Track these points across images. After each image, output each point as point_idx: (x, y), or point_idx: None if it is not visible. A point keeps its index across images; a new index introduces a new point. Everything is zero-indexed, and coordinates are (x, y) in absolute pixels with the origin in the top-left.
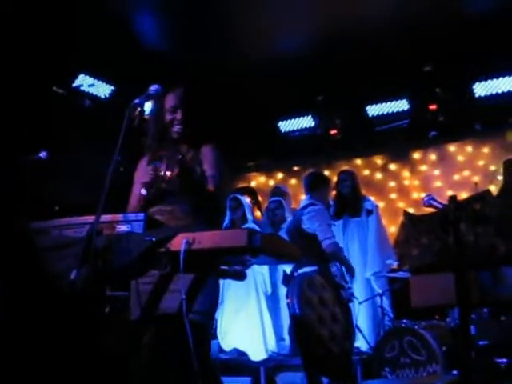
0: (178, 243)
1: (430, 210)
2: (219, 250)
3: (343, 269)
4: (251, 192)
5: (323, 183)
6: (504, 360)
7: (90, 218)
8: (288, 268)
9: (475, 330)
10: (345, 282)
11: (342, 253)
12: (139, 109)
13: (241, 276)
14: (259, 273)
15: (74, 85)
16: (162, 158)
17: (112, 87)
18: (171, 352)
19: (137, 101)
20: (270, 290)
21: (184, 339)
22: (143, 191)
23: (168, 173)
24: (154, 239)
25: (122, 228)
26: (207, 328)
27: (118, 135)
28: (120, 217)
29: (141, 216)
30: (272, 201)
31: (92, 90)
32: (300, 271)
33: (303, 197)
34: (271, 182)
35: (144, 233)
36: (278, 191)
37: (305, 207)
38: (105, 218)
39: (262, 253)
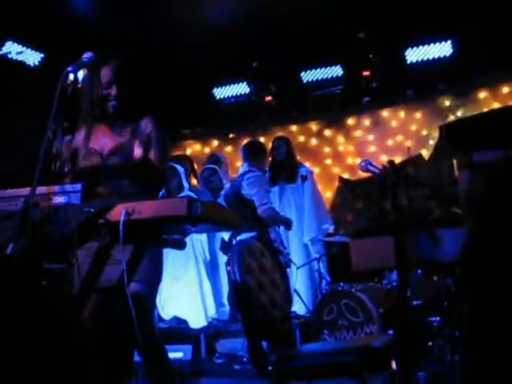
0: (117, 214)
1: (366, 175)
2: (159, 219)
3: (281, 233)
4: (187, 160)
5: (262, 152)
6: (436, 318)
7: (25, 191)
8: (226, 234)
9: (410, 291)
10: (283, 247)
11: (278, 215)
12: (72, 77)
13: (181, 245)
14: (198, 240)
15: (1, 52)
16: (98, 134)
17: (42, 55)
18: (114, 323)
19: (69, 69)
20: (208, 257)
21: (126, 309)
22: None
23: (106, 151)
24: (92, 210)
25: (59, 200)
26: (150, 297)
27: (50, 105)
28: (56, 188)
29: (78, 187)
30: (205, 168)
31: (21, 58)
32: (239, 238)
33: (239, 164)
34: (207, 150)
35: (82, 204)
36: (213, 159)
37: (244, 174)
38: (40, 189)
39: (202, 221)
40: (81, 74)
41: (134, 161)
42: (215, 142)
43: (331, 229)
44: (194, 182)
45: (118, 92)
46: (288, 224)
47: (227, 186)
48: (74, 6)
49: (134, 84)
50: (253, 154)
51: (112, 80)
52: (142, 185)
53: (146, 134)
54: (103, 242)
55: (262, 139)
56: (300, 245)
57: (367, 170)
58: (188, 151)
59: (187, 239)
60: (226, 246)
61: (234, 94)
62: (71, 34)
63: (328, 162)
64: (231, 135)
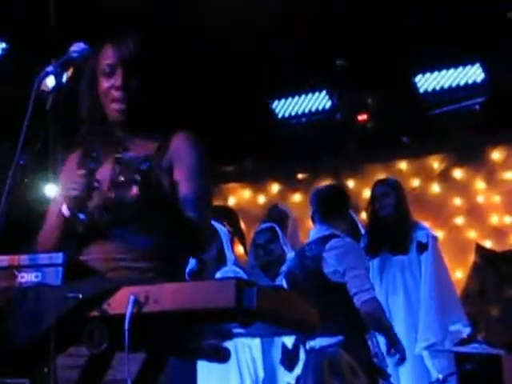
0: (122, 303)
1: None
2: (188, 314)
3: (382, 343)
4: (229, 215)
5: (345, 204)
6: None
7: None
8: (290, 339)
9: None
10: (385, 364)
11: (384, 316)
12: (54, 82)
13: (220, 355)
14: (245, 346)
15: None
16: (99, 158)
17: (3, 44)
18: None
19: (50, 69)
20: (262, 375)
21: None
22: (65, 210)
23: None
24: (80, 296)
25: (28, 277)
26: None
27: (18, 123)
28: (24, 259)
29: (58, 258)
30: (260, 231)
31: None
32: (312, 345)
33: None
34: (261, 199)
35: (64, 285)
36: (276, 213)
37: (323, 239)
38: None
39: (259, 319)
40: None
41: (164, 210)
42: (275, 187)
43: (465, 332)
44: (241, 250)
45: (124, 81)
46: (398, 346)
47: (290, 257)
48: None
49: (154, 69)
50: (330, 208)
51: (116, 62)
52: (170, 251)
53: (179, 159)
54: (97, 348)
55: (350, 182)
56: (412, 357)
57: None
58: (231, 201)
59: (230, 345)
60: (290, 358)
61: (307, 111)
62: (47, 15)
63: (459, 221)
64: (301, 176)
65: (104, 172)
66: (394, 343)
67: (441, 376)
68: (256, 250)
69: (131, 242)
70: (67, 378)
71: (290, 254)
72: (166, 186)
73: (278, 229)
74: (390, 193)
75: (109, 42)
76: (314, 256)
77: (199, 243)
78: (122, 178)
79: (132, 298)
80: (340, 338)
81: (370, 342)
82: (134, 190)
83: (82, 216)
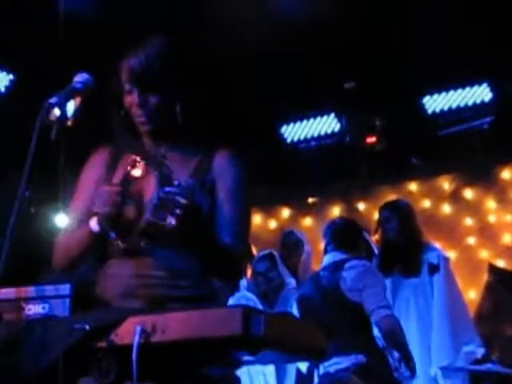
0: (129, 333)
1: None
2: (196, 342)
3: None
4: None
5: (357, 237)
6: None
7: None
8: (303, 363)
9: None
10: (403, 378)
11: (402, 333)
12: (58, 112)
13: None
14: (259, 373)
15: None
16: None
17: (11, 76)
18: None
19: (54, 99)
20: None
21: None
22: (94, 225)
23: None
24: (87, 327)
25: (35, 309)
26: None
27: (23, 153)
28: (31, 291)
29: (65, 289)
30: (259, 258)
31: None
32: (327, 367)
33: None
34: (272, 224)
35: (71, 316)
36: (291, 239)
37: (340, 263)
38: (5, 293)
39: (267, 346)
40: (71, 107)
41: (202, 235)
42: (285, 212)
43: (479, 352)
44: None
45: (140, 98)
46: (410, 361)
47: (289, 282)
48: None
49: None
50: (345, 239)
51: (131, 77)
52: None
53: (222, 180)
54: (105, 379)
55: (361, 205)
56: (426, 379)
57: None
58: None
59: (243, 371)
60: (304, 383)
61: (316, 135)
62: (56, 45)
63: (471, 241)
64: (311, 200)
65: (144, 188)
66: (408, 360)
67: None
68: (256, 277)
69: (167, 261)
70: None
71: (290, 281)
72: (204, 208)
73: (276, 256)
74: (392, 217)
75: (126, 54)
76: (332, 278)
77: (233, 270)
78: (162, 209)
79: (139, 328)
80: (359, 356)
81: (389, 358)
82: (173, 222)
83: (112, 234)
